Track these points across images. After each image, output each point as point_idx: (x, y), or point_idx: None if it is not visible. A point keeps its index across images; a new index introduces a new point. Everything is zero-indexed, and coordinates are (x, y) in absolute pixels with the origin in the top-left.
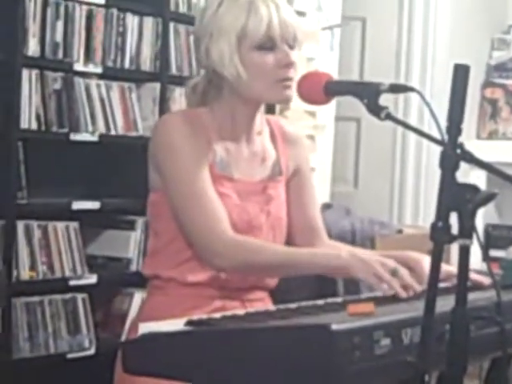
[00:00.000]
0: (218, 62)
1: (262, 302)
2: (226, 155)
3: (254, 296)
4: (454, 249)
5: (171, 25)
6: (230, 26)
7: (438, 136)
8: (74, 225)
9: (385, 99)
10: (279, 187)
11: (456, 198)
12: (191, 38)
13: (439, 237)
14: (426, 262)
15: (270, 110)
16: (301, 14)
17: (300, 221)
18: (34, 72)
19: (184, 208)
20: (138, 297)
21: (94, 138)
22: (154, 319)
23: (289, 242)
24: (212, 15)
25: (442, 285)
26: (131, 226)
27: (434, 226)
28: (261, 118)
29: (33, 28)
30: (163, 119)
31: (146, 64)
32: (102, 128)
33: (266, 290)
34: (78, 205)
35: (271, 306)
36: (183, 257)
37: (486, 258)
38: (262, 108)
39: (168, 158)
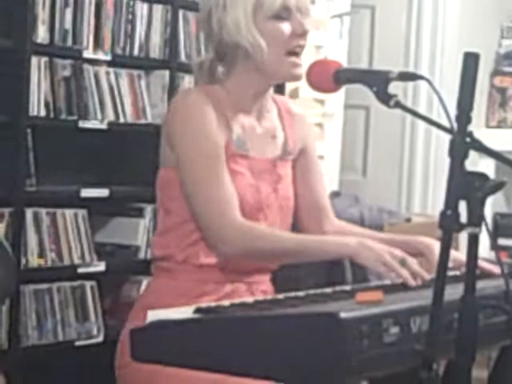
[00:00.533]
0: (234, 31)
1: (265, 285)
2: (242, 132)
3: (259, 279)
4: (463, 237)
5: (180, 12)
6: None
7: (447, 124)
8: (82, 212)
9: (394, 87)
10: (287, 167)
11: (465, 187)
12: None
13: (448, 225)
14: (437, 247)
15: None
16: (311, 2)
17: (307, 200)
18: (43, 59)
19: (195, 190)
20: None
21: (103, 126)
22: (163, 304)
23: (296, 221)
24: None
25: (451, 273)
26: (140, 213)
27: (442, 215)
28: (269, 96)
29: (42, 15)
30: (181, 96)
31: (156, 51)
32: (110, 115)
33: (269, 273)
34: (86, 192)
35: (272, 289)
36: (196, 236)
37: (495, 246)
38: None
39: (184, 137)
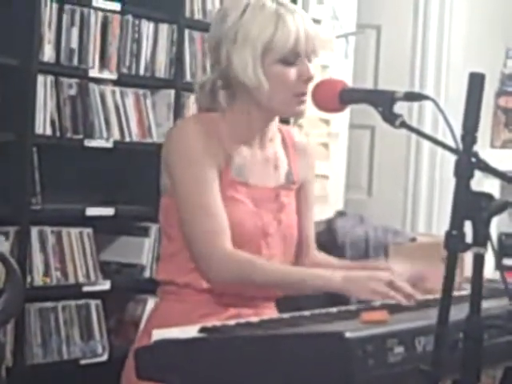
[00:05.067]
0: (241, 70)
1: (271, 310)
2: (242, 160)
3: (264, 304)
4: (468, 257)
5: (186, 31)
6: (257, 35)
7: (452, 144)
8: (87, 231)
9: (399, 107)
10: (291, 195)
11: (470, 207)
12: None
13: (453, 245)
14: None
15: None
16: (316, 21)
17: (300, 232)
18: (49, 78)
19: (188, 218)
20: (152, 303)
21: (109, 145)
22: (169, 325)
23: None
24: (236, 20)
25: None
26: (145, 232)
27: (448, 235)
28: (274, 125)
29: (48, 34)
30: (178, 125)
31: (161, 71)
32: (116, 134)
33: (273, 299)
34: (92, 211)
35: (280, 314)
36: None
37: (500, 266)
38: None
39: (180, 166)
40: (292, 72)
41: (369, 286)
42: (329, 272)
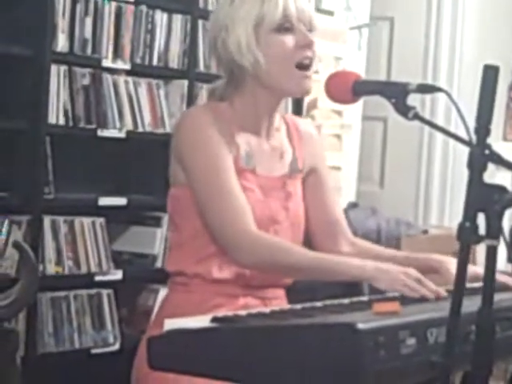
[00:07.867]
0: (236, 51)
1: (279, 300)
2: (249, 149)
3: (273, 294)
4: (480, 250)
5: (200, 22)
6: (246, 14)
7: (465, 136)
8: (100, 220)
9: (411, 99)
10: (297, 184)
11: (483, 199)
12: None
13: (466, 237)
14: (451, 263)
15: (298, 107)
16: (329, 13)
17: (320, 219)
18: (63, 68)
19: (210, 203)
20: (163, 293)
21: (122, 135)
22: (179, 316)
23: (309, 240)
24: (227, 10)
25: (468, 285)
26: (157, 222)
27: (461, 227)
28: (279, 115)
29: (62, 24)
30: (187, 114)
31: (174, 61)
32: (129, 124)
33: (284, 288)
34: (104, 201)
35: (287, 305)
36: (207, 251)
37: None
38: (282, 105)
39: (194, 153)
40: (288, 39)
41: (400, 278)
42: (360, 261)
